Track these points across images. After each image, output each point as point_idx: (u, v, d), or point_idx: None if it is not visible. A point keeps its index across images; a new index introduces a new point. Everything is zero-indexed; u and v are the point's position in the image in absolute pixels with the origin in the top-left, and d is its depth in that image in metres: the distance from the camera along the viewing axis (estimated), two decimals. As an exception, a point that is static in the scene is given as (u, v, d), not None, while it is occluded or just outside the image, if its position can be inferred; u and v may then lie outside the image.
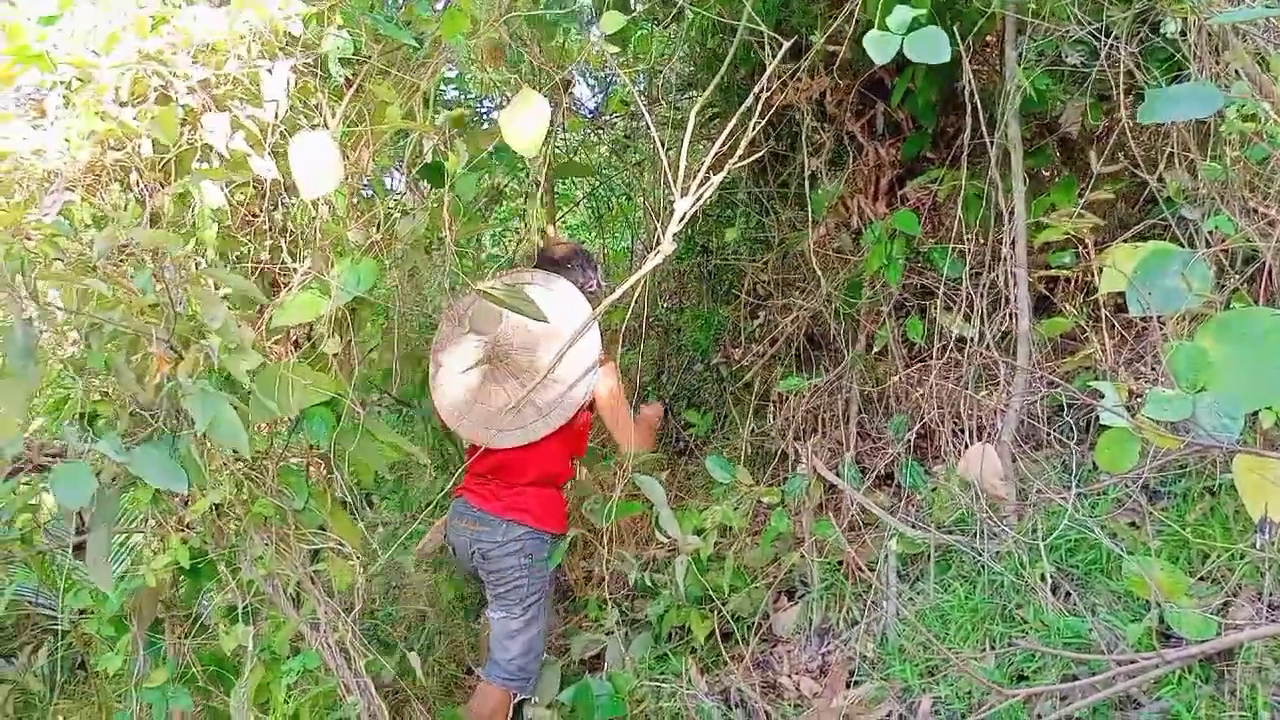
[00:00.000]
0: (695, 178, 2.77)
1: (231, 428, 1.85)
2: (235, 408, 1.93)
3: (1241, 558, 2.35)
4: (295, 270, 2.42)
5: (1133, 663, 2.08)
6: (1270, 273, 2.60)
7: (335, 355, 2.45)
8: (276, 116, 2.24)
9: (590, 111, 5.47)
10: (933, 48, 2.09)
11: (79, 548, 2.11)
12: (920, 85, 3.63)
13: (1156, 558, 2.44)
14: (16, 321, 1.77)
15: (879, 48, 2.13)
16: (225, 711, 2.41)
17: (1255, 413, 2.35)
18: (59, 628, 3.83)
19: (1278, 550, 2.27)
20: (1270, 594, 2.25)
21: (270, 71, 2.23)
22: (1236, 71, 2.49)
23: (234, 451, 2.01)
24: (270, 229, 2.41)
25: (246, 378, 1.96)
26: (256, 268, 2.46)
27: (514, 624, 3.07)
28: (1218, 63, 2.63)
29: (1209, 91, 1.96)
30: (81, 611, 2.82)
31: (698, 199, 2.75)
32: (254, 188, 2.39)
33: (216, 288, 2.13)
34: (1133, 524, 2.70)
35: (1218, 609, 2.28)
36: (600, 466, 3.62)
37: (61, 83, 2.10)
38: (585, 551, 4.14)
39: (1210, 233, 2.71)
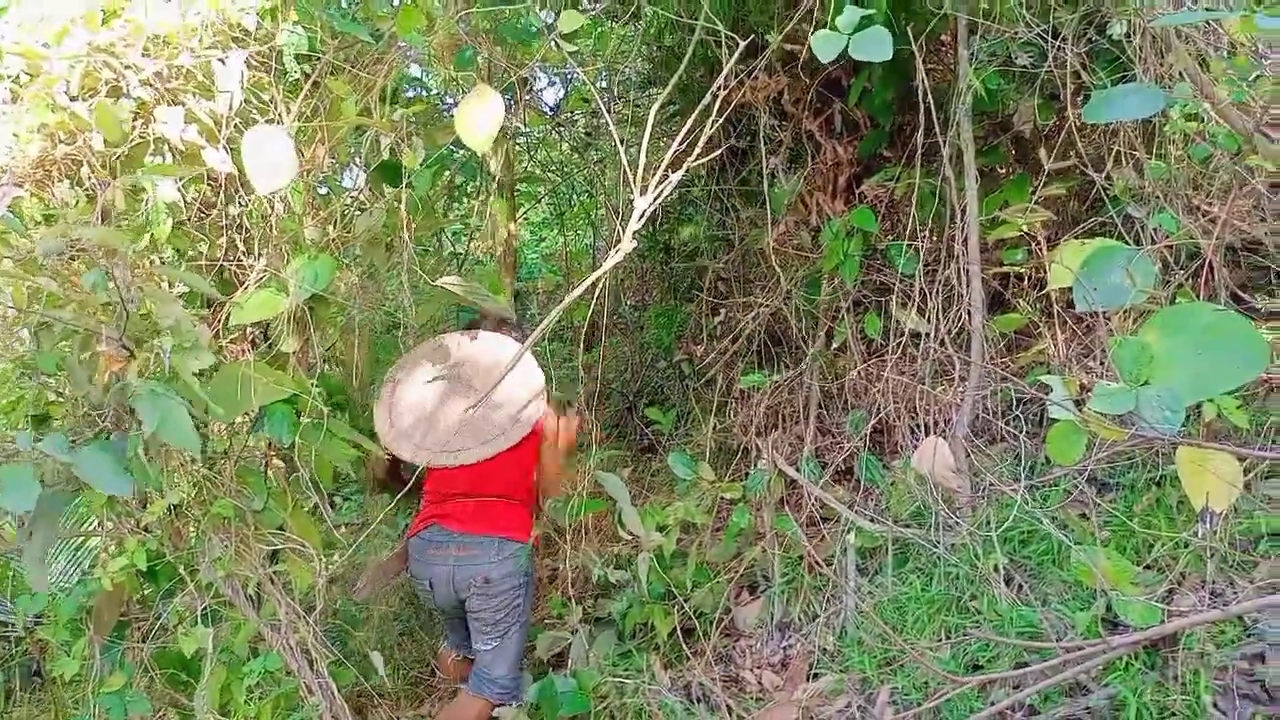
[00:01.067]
0: (655, 176, 2.79)
1: (181, 429, 1.82)
2: (190, 407, 1.91)
3: (1185, 546, 2.42)
4: (251, 268, 2.40)
5: (1080, 650, 2.13)
6: (1212, 268, 2.68)
7: (294, 354, 2.44)
8: (230, 108, 2.22)
9: (551, 109, 5.47)
10: (877, 47, 2.13)
11: (30, 551, 2.08)
12: (877, 85, 3.67)
13: (1104, 548, 2.50)
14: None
15: (825, 47, 2.16)
16: (189, 713, 2.38)
17: (1199, 406, 2.42)
18: (13, 634, 3.76)
19: (1219, 539, 2.34)
20: (1212, 581, 2.32)
21: (223, 63, 2.22)
22: (1179, 73, 2.56)
23: (188, 452, 1.99)
24: (225, 225, 2.38)
25: (195, 380, 1.93)
26: (212, 265, 2.44)
27: (512, 643, 3.05)
28: (1161, 64, 2.70)
29: (1152, 92, 2.02)
30: (37, 618, 2.77)
31: (657, 197, 2.77)
32: (209, 183, 2.37)
33: (171, 286, 2.11)
34: (1083, 515, 2.77)
35: (1163, 597, 2.34)
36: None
37: (9, 77, 2.07)
38: (550, 550, 4.15)
39: (1155, 230, 2.78)
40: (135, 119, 2.17)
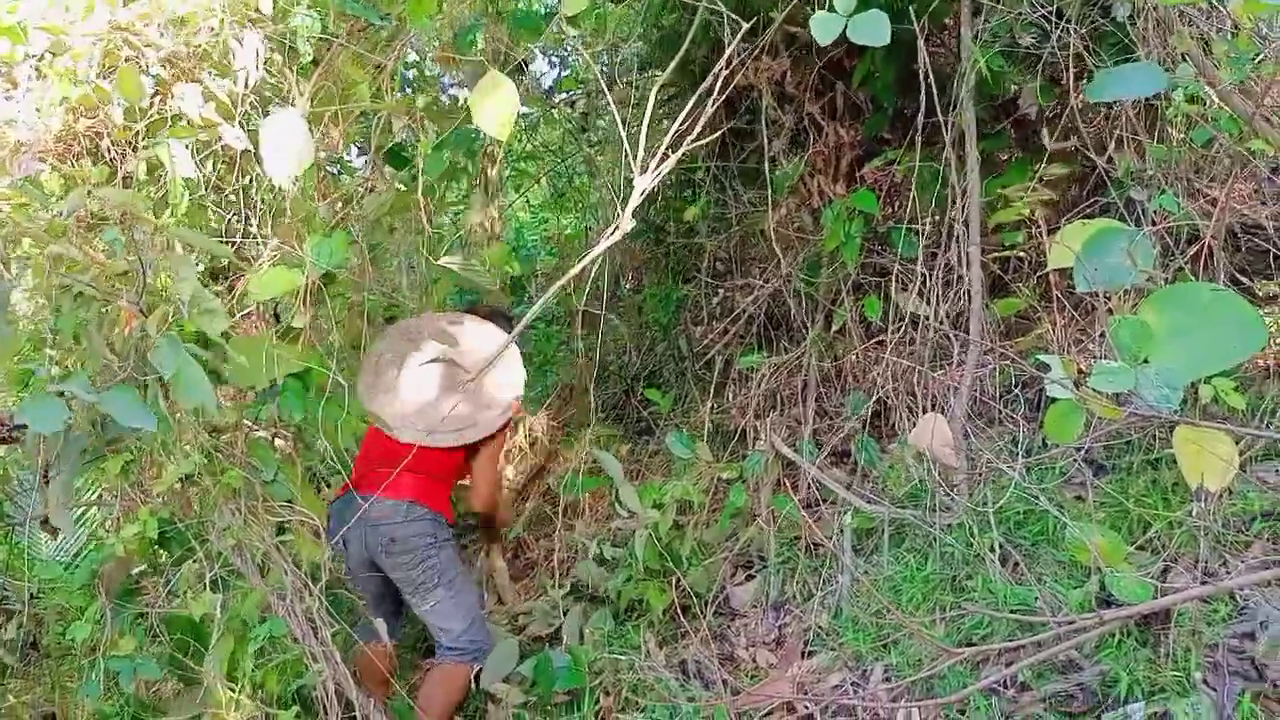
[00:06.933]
0: (655, 156, 2.80)
1: (197, 385, 1.84)
2: (211, 370, 1.93)
3: (1180, 526, 2.45)
4: (264, 245, 2.43)
5: (1073, 623, 2.16)
6: (1212, 252, 2.70)
7: (306, 330, 2.47)
8: (246, 86, 2.25)
9: (546, 90, 5.46)
10: (875, 31, 2.14)
11: (45, 521, 2.10)
12: (880, 67, 3.68)
13: (1099, 525, 2.53)
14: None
15: (823, 29, 2.17)
16: (193, 679, 2.41)
17: (1195, 387, 2.45)
18: (8, 608, 3.79)
19: (1213, 518, 2.37)
20: (1205, 560, 2.35)
21: (240, 41, 2.24)
22: (1182, 55, 2.57)
23: (200, 419, 2.02)
24: (240, 201, 2.41)
25: (220, 339, 1.96)
26: (225, 241, 2.46)
27: (447, 600, 3.09)
28: (1164, 46, 2.71)
29: (1154, 71, 2.04)
30: (34, 594, 2.78)
31: (657, 176, 2.78)
32: (224, 161, 2.40)
33: (189, 250, 2.14)
34: (1079, 497, 2.80)
35: (1157, 575, 2.38)
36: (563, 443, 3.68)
37: (33, 55, 2.09)
38: (545, 530, 4.18)
39: (1156, 212, 2.80)
40: (154, 96, 2.20)
